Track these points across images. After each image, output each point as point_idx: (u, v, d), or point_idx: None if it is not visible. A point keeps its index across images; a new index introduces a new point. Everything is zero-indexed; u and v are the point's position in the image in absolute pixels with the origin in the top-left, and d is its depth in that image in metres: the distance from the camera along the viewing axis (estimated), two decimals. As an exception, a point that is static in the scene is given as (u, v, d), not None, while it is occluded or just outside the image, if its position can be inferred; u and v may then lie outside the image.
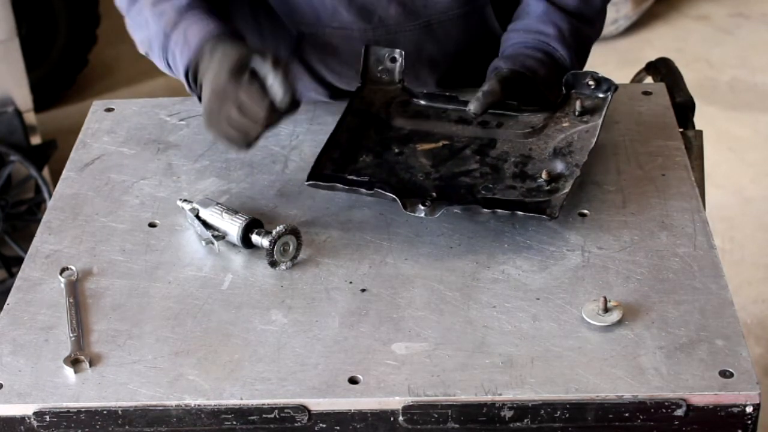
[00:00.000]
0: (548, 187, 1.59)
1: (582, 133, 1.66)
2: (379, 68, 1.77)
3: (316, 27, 1.80)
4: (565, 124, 1.68)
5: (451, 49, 1.83)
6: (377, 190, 1.56)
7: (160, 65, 1.76)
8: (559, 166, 1.62)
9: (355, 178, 1.61)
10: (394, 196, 1.54)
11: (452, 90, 1.79)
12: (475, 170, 1.63)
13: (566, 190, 1.57)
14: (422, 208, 1.53)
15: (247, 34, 1.84)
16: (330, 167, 1.62)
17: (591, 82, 1.71)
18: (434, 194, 1.56)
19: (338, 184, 1.58)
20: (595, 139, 1.64)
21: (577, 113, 1.69)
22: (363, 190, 1.57)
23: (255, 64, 1.58)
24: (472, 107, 1.67)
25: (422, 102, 1.75)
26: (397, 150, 1.67)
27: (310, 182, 1.59)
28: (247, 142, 1.61)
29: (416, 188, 1.59)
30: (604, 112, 1.67)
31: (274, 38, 1.84)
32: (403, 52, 1.76)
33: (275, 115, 1.58)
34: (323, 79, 1.85)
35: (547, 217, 1.54)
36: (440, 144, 1.67)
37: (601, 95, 1.70)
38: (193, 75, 1.67)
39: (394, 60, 1.76)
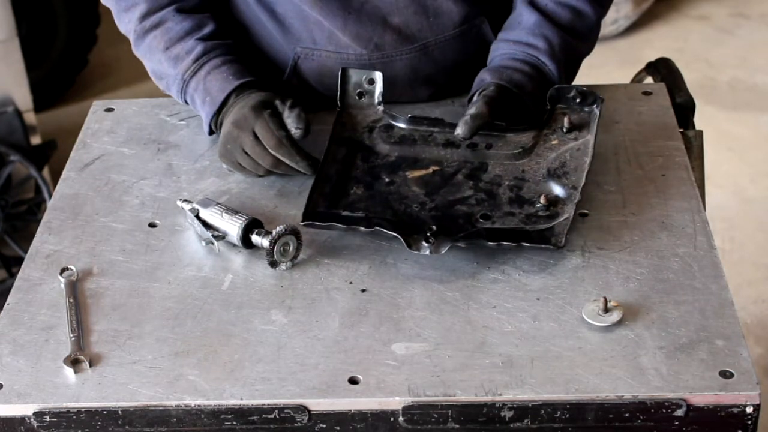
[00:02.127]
0: (548, 212, 1.57)
1: (573, 151, 1.64)
2: (357, 91, 1.75)
3: (312, 49, 1.80)
4: (554, 142, 1.66)
5: (448, 66, 1.83)
6: (377, 229, 1.53)
7: (177, 98, 1.83)
8: (556, 189, 1.60)
9: (350, 214, 1.58)
10: (396, 234, 1.52)
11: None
12: (470, 197, 1.60)
13: (567, 215, 1.56)
14: (426, 245, 1.51)
15: (243, 52, 1.84)
16: (323, 204, 1.60)
17: (576, 97, 1.69)
18: (434, 227, 1.53)
19: (336, 224, 1.55)
20: (588, 159, 1.62)
21: (565, 130, 1.67)
22: (362, 229, 1.54)
23: (276, 104, 1.70)
24: (460, 131, 1.64)
25: (405, 126, 1.72)
26: (387, 179, 1.64)
27: (306, 222, 1.56)
28: (258, 171, 1.70)
29: (413, 221, 1.56)
30: (595, 130, 1.65)
31: (271, 57, 1.84)
32: (381, 74, 1.74)
33: (288, 149, 1.67)
34: (320, 95, 1.85)
35: (554, 247, 1.52)
36: (430, 170, 1.65)
37: (587, 109, 1.69)
38: (214, 122, 1.77)
39: (372, 82, 1.74)
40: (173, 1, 1.79)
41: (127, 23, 1.82)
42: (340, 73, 1.75)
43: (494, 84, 1.71)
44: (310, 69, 1.82)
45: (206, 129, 1.78)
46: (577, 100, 1.69)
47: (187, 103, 1.81)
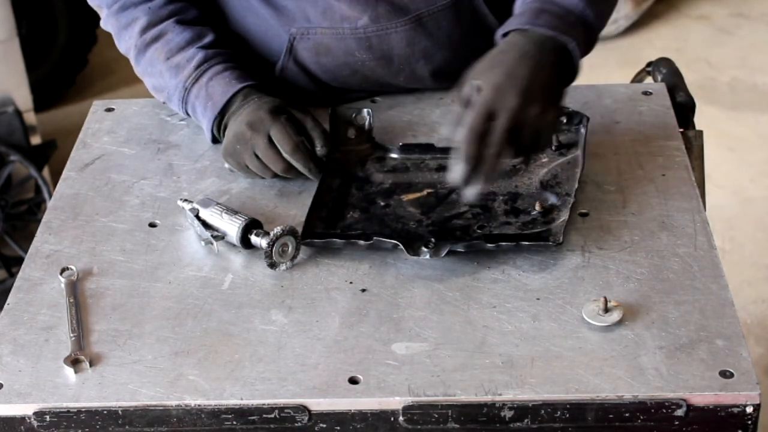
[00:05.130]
0: (544, 219, 1.58)
1: (564, 165, 1.67)
2: (348, 129, 1.76)
3: (307, 28, 1.80)
4: (544, 160, 1.68)
5: (444, 40, 1.83)
6: (377, 239, 1.53)
7: (178, 112, 1.82)
8: (551, 198, 1.61)
9: (349, 233, 1.58)
10: (396, 242, 1.52)
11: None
12: (466, 212, 1.61)
13: (564, 217, 1.57)
14: (426, 250, 1.51)
15: (237, 38, 1.85)
16: (320, 226, 1.60)
17: (562, 117, 1.72)
18: (433, 240, 1.53)
19: (335, 240, 1.56)
20: (579, 170, 1.64)
21: (554, 148, 1.69)
22: (361, 242, 1.54)
23: (293, 112, 1.71)
24: (456, 178, 1.49)
25: (397, 156, 1.73)
26: (383, 203, 1.64)
27: (306, 241, 1.56)
28: (265, 174, 1.70)
29: (411, 236, 1.56)
30: (583, 145, 1.68)
31: (267, 45, 1.84)
32: (371, 111, 1.76)
33: (302, 155, 1.67)
34: (318, 80, 1.85)
35: (552, 244, 1.52)
36: (425, 192, 1.65)
37: (574, 129, 1.71)
38: (217, 126, 1.76)
39: (362, 118, 1.76)
40: (173, 14, 1.80)
41: (127, 40, 1.83)
42: (329, 112, 1.77)
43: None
44: (306, 49, 1.82)
45: (208, 136, 1.77)
46: (564, 121, 1.72)
47: (188, 114, 1.80)
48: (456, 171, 1.47)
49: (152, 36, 1.79)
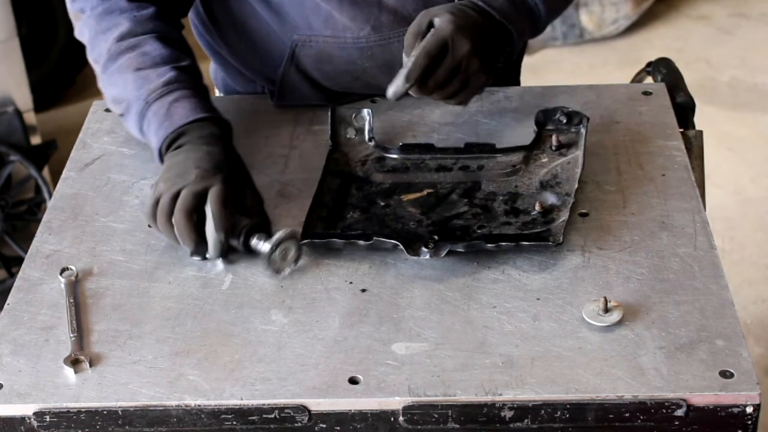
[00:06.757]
0: (544, 219, 1.58)
1: (564, 164, 1.67)
2: (348, 129, 1.76)
3: (309, 35, 1.80)
4: (544, 160, 1.68)
5: None
6: (377, 239, 1.53)
7: (131, 126, 1.72)
8: (550, 198, 1.61)
9: (349, 233, 1.58)
10: (396, 242, 1.52)
11: (426, 140, 1.76)
12: (466, 212, 1.61)
13: (564, 217, 1.57)
14: (426, 250, 1.51)
15: (239, 45, 1.84)
16: (320, 226, 1.60)
17: (562, 117, 1.72)
18: (435, 236, 1.53)
19: (335, 240, 1.55)
20: (579, 170, 1.64)
21: (553, 148, 1.69)
22: (361, 242, 1.54)
23: (235, 176, 1.59)
24: (390, 93, 1.61)
25: (397, 156, 1.73)
26: (383, 203, 1.64)
27: (306, 241, 1.55)
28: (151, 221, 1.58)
29: (411, 236, 1.56)
30: (584, 145, 1.68)
31: (267, 45, 1.84)
32: (371, 111, 1.75)
33: (186, 230, 1.54)
34: (320, 84, 1.85)
35: (552, 244, 1.52)
36: (425, 192, 1.65)
37: (573, 129, 1.71)
38: (167, 145, 1.64)
39: (362, 119, 1.75)
40: (156, 30, 1.73)
41: (101, 45, 1.73)
42: (329, 112, 1.76)
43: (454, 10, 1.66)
44: (308, 57, 1.81)
45: (156, 153, 1.66)
46: (564, 121, 1.72)
47: (141, 130, 1.69)
48: (396, 85, 1.61)
49: (129, 44, 1.71)
